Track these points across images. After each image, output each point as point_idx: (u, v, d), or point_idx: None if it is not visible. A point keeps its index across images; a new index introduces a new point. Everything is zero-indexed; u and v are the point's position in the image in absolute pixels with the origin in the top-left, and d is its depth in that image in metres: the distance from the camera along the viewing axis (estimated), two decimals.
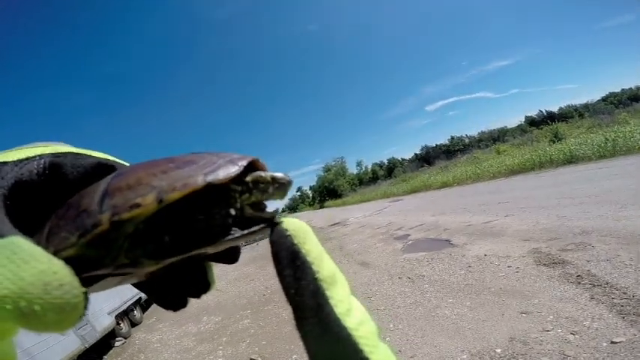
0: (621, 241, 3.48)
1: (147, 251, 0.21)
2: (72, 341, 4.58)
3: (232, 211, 0.23)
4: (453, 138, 56.22)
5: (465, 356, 2.48)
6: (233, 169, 0.22)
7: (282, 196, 0.25)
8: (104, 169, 0.25)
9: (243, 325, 4.94)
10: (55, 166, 0.23)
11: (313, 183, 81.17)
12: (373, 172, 66.99)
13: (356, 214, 17.72)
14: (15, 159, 0.22)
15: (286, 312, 4.70)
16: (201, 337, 5.05)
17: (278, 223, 0.23)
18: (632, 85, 41.21)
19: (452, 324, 2.98)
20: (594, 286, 2.84)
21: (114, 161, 0.27)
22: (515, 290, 3.19)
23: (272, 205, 0.26)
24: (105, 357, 5.62)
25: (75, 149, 0.25)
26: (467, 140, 53.64)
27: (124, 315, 6.59)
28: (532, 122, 44.73)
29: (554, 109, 44.66)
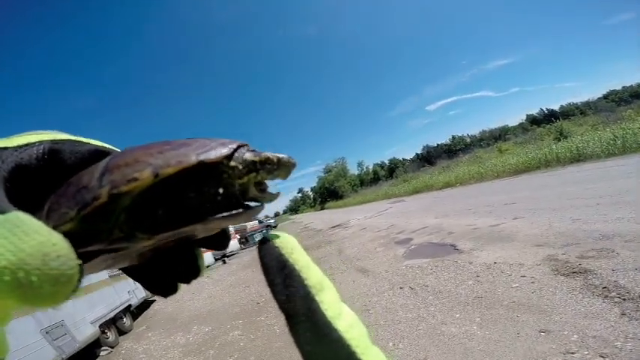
0: None
1: (141, 225, 0.23)
2: (47, 352, 4.28)
3: (221, 190, 0.24)
4: (454, 137, 56.05)
5: None
6: (224, 150, 0.24)
7: (284, 177, 0.27)
8: (101, 155, 0.26)
9: (233, 336, 4.62)
10: (53, 151, 0.24)
11: (314, 184, 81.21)
12: (374, 172, 66.81)
13: (357, 216, 17.37)
14: (15, 145, 0.22)
15: (278, 324, 4.41)
16: (188, 349, 4.75)
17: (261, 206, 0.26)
18: (633, 83, 41.02)
19: (459, 344, 2.61)
20: (624, 299, 2.47)
21: (110, 148, 0.28)
22: (532, 304, 2.81)
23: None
24: None
25: (73, 137, 0.26)
26: (468, 139, 53.50)
27: (111, 323, 6.35)
28: (534, 120, 44.77)
29: (555, 107, 44.79)
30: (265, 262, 0.22)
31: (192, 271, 0.30)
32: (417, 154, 61.56)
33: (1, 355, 0.20)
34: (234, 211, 0.24)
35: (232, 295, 7.19)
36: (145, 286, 0.31)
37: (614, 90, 43.76)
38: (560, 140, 20.45)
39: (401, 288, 4.13)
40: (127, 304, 7.11)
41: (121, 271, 0.32)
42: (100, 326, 5.79)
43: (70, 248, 0.18)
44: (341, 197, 62.44)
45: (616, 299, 2.50)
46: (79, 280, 0.18)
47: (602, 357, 2.00)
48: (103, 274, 6.29)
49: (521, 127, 44.83)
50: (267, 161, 0.25)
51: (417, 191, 25.51)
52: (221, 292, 7.88)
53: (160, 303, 8.67)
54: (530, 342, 2.36)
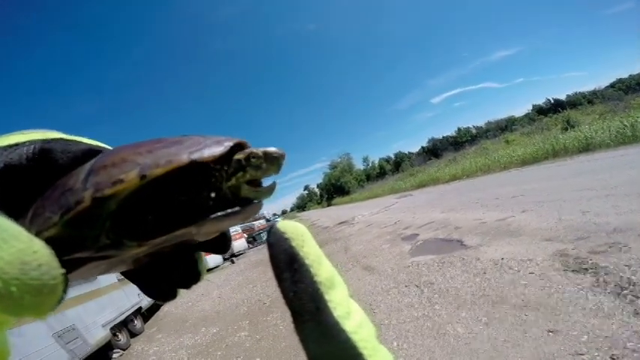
0: None
1: (129, 231, 0.21)
2: (59, 356, 4.33)
3: (212, 194, 0.23)
4: (459, 129, 55.37)
5: None
6: (218, 149, 0.22)
7: (276, 171, 0.25)
8: (94, 154, 0.25)
9: (239, 337, 4.65)
10: (44, 151, 0.23)
11: (320, 181, 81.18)
12: (380, 167, 66.48)
13: (363, 212, 17.29)
14: (5, 144, 0.22)
15: (284, 325, 4.41)
16: (196, 351, 4.80)
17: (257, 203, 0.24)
18: None
19: (465, 345, 2.55)
20: (638, 297, 2.39)
21: (104, 147, 0.27)
22: (540, 302, 2.74)
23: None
24: None
25: (66, 136, 0.25)
26: (474, 131, 52.84)
27: (122, 326, 6.42)
28: (540, 110, 44.13)
29: (562, 96, 44.04)
30: (274, 254, 0.21)
31: (191, 276, 0.29)
32: (422, 147, 60.98)
33: (2, 358, 0.19)
34: (229, 211, 0.22)
35: (240, 295, 7.22)
36: (143, 291, 0.29)
37: (621, 78, 42.85)
38: (567, 130, 20.01)
39: (406, 286, 4.08)
40: (137, 307, 7.17)
41: None
42: (112, 329, 5.85)
43: (53, 256, 0.17)
44: (347, 193, 62.36)
45: (629, 297, 2.42)
46: (64, 291, 0.17)
47: (614, 358, 1.93)
48: (112, 278, 6.36)
49: (528, 118, 44.17)
50: (252, 156, 0.24)
51: (423, 185, 25.31)
52: (229, 293, 7.93)
53: (170, 305, 8.73)
54: (537, 342, 2.29)
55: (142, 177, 0.20)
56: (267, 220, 26.13)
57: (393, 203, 17.33)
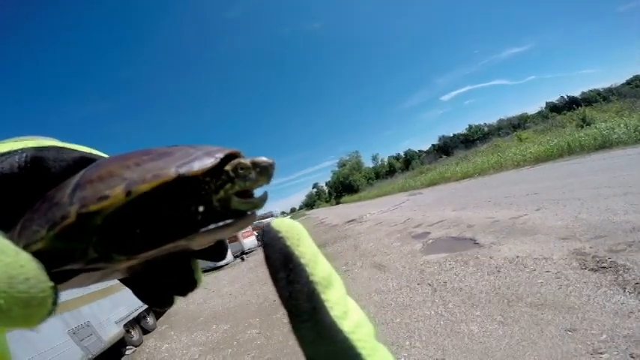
0: None
1: (117, 245, 0.21)
2: (74, 353, 4.41)
3: (201, 208, 0.22)
4: (471, 127, 54.73)
5: None
6: (209, 161, 0.22)
7: (266, 181, 0.24)
8: (88, 162, 0.25)
9: (250, 334, 4.67)
10: (37, 159, 0.23)
11: (329, 179, 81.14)
12: (390, 165, 66.13)
13: (372, 210, 17.20)
14: None
15: None
16: (208, 347, 4.84)
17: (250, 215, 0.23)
18: None
19: (479, 343, 2.51)
20: None
21: (98, 155, 0.27)
22: (557, 301, 2.68)
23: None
24: None
25: (60, 143, 0.25)
26: (486, 129, 52.17)
27: (135, 323, 6.51)
28: (554, 108, 43.35)
29: (576, 94, 43.17)
30: (268, 254, 0.20)
31: (187, 283, 0.29)
32: (433, 145, 60.48)
33: None
34: (220, 224, 0.22)
35: (250, 292, 7.28)
36: (140, 298, 0.29)
37: (638, 75, 42.06)
38: (582, 127, 19.55)
39: (418, 284, 4.03)
40: None
41: None
42: (125, 326, 5.92)
43: (41, 270, 0.17)
44: (356, 191, 62.21)
45: None
46: (54, 303, 0.17)
47: (633, 358, 1.88)
48: None
49: (541, 115, 43.45)
50: (240, 167, 0.23)
51: (434, 183, 25.06)
52: (239, 290, 7.98)
53: (182, 302, 8.81)
54: (554, 341, 2.24)
55: (128, 193, 0.19)
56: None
57: (403, 201, 17.21)
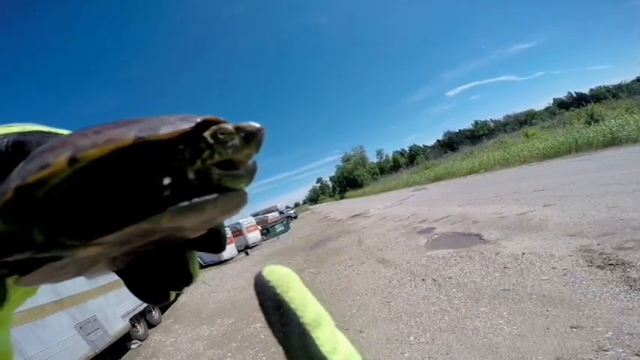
0: None
1: (65, 228, 0.17)
2: (80, 347, 4.46)
3: (167, 181, 0.18)
4: (477, 123, 54.24)
5: None
6: (181, 126, 0.18)
7: (254, 149, 0.21)
8: None
9: (254, 329, 4.69)
10: (19, 144, 0.22)
11: (333, 174, 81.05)
12: (395, 160, 65.86)
13: (377, 205, 17.17)
14: None
15: None
16: (212, 342, 4.88)
17: (234, 190, 0.20)
18: None
19: (484, 339, 2.50)
20: None
21: None
22: (563, 298, 2.65)
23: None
24: None
25: (46, 128, 0.24)
26: (492, 124, 51.70)
27: (141, 317, 6.56)
28: (561, 104, 42.78)
29: (585, 90, 42.51)
30: (261, 301, 0.22)
31: (182, 277, 0.27)
32: (438, 140, 60.03)
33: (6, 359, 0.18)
34: (196, 200, 0.18)
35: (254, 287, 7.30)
36: (133, 293, 0.28)
37: None
38: (591, 124, 19.21)
39: (423, 280, 4.02)
40: None
41: None
42: (130, 320, 5.97)
43: None
44: (360, 186, 62.09)
45: None
46: (3, 297, 0.16)
47: (638, 355, 1.86)
48: None
49: (549, 112, 42.90)
50: (221, 132, 0.19)
51: (439, 178, 24.87)
52: (243, 284, 8.01)
53: (187, 296, 8.94)
54: (560, 338, 2.23)
55: (72, 160, 0.16)
56: (281, 213, 26.25)
57: (408, 197, 17.13)
